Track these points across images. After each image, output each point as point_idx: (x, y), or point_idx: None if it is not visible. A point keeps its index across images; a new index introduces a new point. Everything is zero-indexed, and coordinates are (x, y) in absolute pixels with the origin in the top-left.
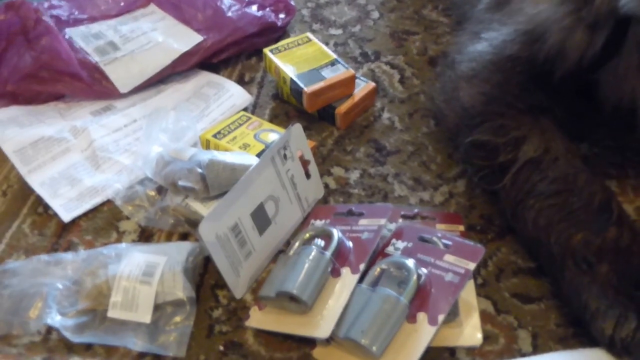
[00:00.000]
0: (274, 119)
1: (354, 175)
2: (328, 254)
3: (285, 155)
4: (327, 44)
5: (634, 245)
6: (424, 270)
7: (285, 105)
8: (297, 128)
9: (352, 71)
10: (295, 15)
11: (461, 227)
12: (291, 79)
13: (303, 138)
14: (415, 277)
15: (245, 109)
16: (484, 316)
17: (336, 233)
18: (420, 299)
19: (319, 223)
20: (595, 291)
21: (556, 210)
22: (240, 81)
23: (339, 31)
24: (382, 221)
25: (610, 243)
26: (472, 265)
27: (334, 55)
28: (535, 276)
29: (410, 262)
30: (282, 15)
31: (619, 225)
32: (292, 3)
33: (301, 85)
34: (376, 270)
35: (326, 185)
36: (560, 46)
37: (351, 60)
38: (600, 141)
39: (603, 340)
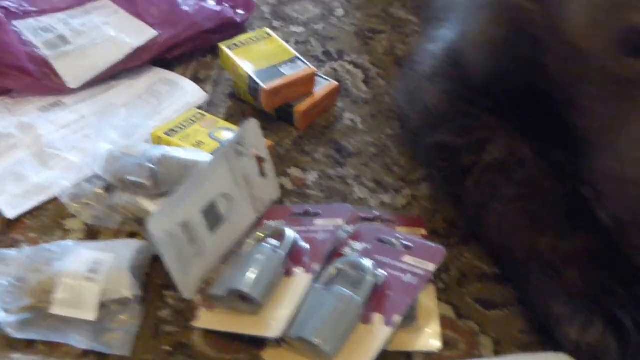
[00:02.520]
0: (229, 118)
1: (312, 177)
2: (281, 252)
3: (239, 152)
4: (287, 42)
5: (603, 250)
6: (381, 271)
7: (241, 104)
8: (252, 123)
9: (312, 69)
10: (255, 11)
11: (423, 231)
12: (248, 76)
13: (259, 135)
14: (371, 276)
15: (199, 108)
16: (445, 321)
17: (290, 232)
18: (377, 300)
19: (273, 223)
20: (561, 296)
21: (521, 215)
22: (195, 79)
23: (301, 29)
24: (339, 222)
25: (578, 248)
26: (431, 267)
27: (295, 53)
28: (499, 282)
29: (366, 262)
30: (241, 11)
31: (588, 230)
32: None
33: (259, 82)
34: (331, 270)
35: (282, 186)
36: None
37: (313, 59)
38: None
39: (568, 346)
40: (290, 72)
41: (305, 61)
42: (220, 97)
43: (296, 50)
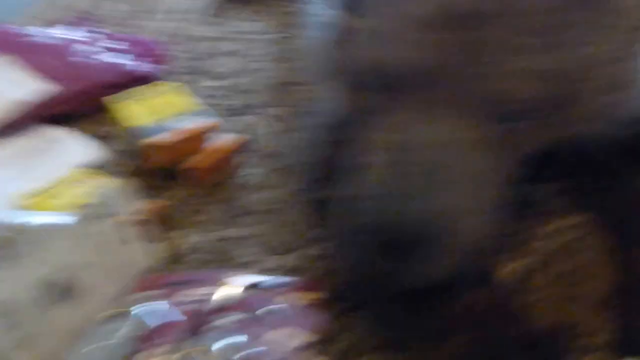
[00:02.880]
0: (120, 175)
1: (198, 239)
2: (122, 337)
3: (99, 216)
4: (199, 95)
5: (494, 308)
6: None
7: (134, 161)
8: (116, 185)
9: (212, 122)
10: (171, 65)
11: (316, 295)
12: (136, 130)
13: (128, 197)
14: None
15: (91, 166)
16: None
17: (133, 313)
18: None
19: (140, 296)
20: None
21: None
22: (91, 135)
23: (216, 82)
24: (208, 290)
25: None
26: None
27: (196, 105)
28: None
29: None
30: (149, 65)
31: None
32: (166, 52)
33: (149, 136)
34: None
35: (163, 251)
36: None
37: (223, 112)
38: None
39: None
40: (185, 126)
41: (206, 114)
42: (115, 154)
43: (207, 103)
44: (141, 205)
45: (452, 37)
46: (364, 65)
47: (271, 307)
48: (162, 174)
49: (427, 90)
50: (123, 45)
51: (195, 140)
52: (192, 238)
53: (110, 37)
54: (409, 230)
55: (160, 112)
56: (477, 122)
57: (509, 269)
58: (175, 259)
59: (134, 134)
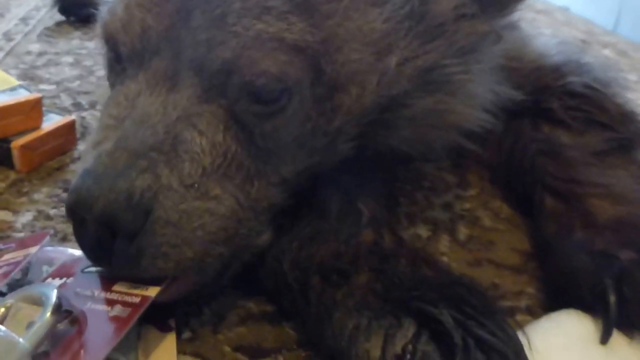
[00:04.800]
0: None
1: (24, 219)
2: None
3: None
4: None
5: (400, 248)
6: (77, 307)
7: None
8: None
9: (36, 95)
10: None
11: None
12: None
13: None
14: (48, 311)
15: None
16: None
17: None
18: (67, 348)
19: None
20: (352, 305)
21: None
22: None
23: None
24: (32, 250)
25: (368, 248)
26: (152, 291)
27: (17, 82)
28: (272, 322)
29: (49, 291)
30: None
31: (376, 227)
32: None
33: None
34: (0, 307)
35: None
36: None
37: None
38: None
39: None
40: (7, 99)
41: (28, 89)
42: None
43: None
44: None
45: None
46: (104, 37)
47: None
48: None
49: (154, 61)
50: None
51: (22, 113)
52: (17, 217)
53: None
54: (113, 209)
55: None
56: (211, 96)
57: (410, 233)
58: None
59: None
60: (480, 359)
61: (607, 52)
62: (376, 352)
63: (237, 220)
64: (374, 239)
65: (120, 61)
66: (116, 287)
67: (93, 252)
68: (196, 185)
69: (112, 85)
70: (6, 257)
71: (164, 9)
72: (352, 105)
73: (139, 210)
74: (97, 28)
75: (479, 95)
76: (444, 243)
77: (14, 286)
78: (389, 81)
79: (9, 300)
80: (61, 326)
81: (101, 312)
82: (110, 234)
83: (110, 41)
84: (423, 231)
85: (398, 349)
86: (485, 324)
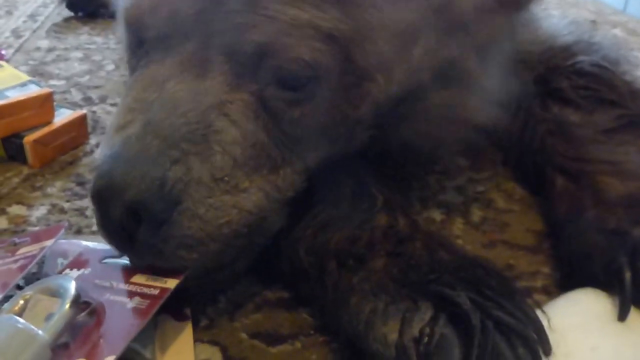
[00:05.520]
0: None
1: (39, 212)
2: None
3: None
4: None
5: (415, 231)
6: (96, 299)
7: None
8: None
9: (47, 90)
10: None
11: None
12: None
13: None
14: (67, 303)
15: None
16: None
17: None
18: (85, 340)
19: None
20: (368, 289)
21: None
22: None
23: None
24: (48, 243)
25: (383, 232)
26: (171, 283)
27: (27, 77)
28: (288, 308)
29: (67, 285)
30: None
31: (390, 211)
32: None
33: None
34: (18, 300)
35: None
36: None
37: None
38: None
39: (388, 352)
40: (17, 94)
41: (39, 85)
42: None
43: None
44: None
45: None
46: (127, 22)
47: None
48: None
49: (183, 46)
50: None
51: (34, 108)
52: (32, 211)
53: None
54: (143, 198)
55: None
56: (242, 82)
57: (424, 217)
58: (10, 232)
59: None
60: (499, 341)
61: (617, 31)
62: (393, 336)
63: (262, 217)
64: (388, 223)
65: (142, 46)
66: (135, 279)
67: (117, 237)
68: (226, 178)
69: (134, 70)
70: (22, 250)
71: None
72: (378, 94)
73: (170, 200)
74: (118, 13)
75: (493, 90)
76: (457, 226)
77: (30, 279)
78: (412, 72)
79: (28, 292)
80: (80, 318)
81: (120, 303)
82: (136, 221)
83: (134, 25)
84: (436, 215)
85: (415, 332)
86: (504, 305)
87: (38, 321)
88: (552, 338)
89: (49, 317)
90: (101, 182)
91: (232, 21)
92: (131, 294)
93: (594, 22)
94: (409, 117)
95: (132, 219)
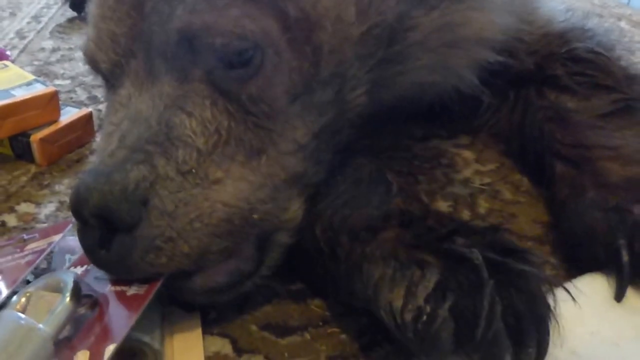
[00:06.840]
0: None
1: (47, 210)
2: None
3: None
4: None
5: (429, 216)
6: (97, 290)
7: None
8: None
9: (52, 89)
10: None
11: None
12: None
13: None
14: (67, 296)
15: None
16: None
17: None
18: (88, 331)
19: None
20: (379, 255)
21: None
22: None
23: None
24: (55, 238)
25: (398, 211)
26: None
27: (32, 76)
28: (297, 300)
29: (68, 277)
30: None
31: (405, 197)
32: (8, 53)
33: None
34: (20, 297)
35: (2, 224)
36: None
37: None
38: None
39: (392, 321)
40: (23, 93)
41: (44, 84)
42: None
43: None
44: None
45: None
46: (87, 63)
47: None
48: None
49: (132, 63)
50: None
51: (40, 107)
52: (40, 209)
53: None
54: (107, 200)
55: None
56: (186, 73)
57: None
58: (20, 229)
59: None
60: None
61: (622, 24)
62: (398, 303)
63: (249, 208)
64: (403, 206)
65: (106, 78)
66: None
67: (93, 252)
68: (193, 170)
69: (107, 100)
70: (30, 246)
71: (122, 11)
72: (333, 42)
73: (135, 201)
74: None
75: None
76: (464, 217)
77: (40, 274)
78: (372, 7)
79: (30, 289)
80: (82, 311)
81: (120, 292)
82: (110, 231)
83: (92, 64)
84: (444, 207)
85: (420, 301)
86: (514, 267)
87: (41, 317)
88: (560, 324)
89: (51, 312)
90: (72, 196)
91: (157, 22)
92: (130, 282)
93: (600, 15)
94: (408, 54)
95: (105, 231)
